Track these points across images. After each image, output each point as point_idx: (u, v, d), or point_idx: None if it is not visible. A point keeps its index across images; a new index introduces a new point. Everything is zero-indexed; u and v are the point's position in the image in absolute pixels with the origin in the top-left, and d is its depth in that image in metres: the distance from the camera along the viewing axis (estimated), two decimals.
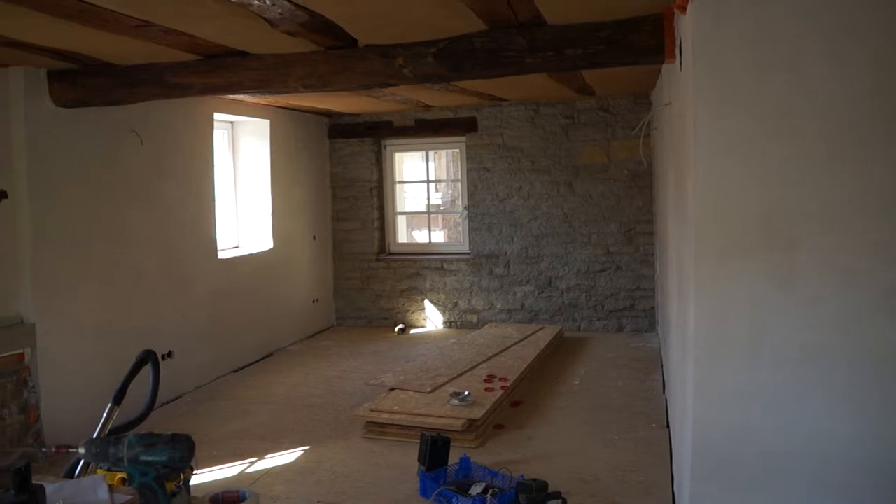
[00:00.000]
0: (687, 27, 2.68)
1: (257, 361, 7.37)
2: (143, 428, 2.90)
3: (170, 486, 1.94)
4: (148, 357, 3.02)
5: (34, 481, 1.96)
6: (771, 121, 2.30)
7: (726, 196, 2.37)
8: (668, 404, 4.95)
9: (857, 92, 2.21)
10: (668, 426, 4.89)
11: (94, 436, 2.71)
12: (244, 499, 1.96)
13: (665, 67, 4.66)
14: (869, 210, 2.23)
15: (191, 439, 1.79)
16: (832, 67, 2.23)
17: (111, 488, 2.09)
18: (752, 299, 2.36)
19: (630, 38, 3.76)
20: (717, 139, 2.37)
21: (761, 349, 2.36)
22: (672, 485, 4.00)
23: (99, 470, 2.34)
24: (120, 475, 2.26)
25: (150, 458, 1.74)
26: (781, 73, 2.27)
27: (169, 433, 1.79)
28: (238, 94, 5.43)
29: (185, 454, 1.77)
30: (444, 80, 4.73)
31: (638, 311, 8.16)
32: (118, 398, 2.94)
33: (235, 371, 7.01)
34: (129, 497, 2.03)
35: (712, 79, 2.37)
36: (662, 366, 6.23)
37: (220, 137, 7.35)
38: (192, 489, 2.23)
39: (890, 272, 2.23)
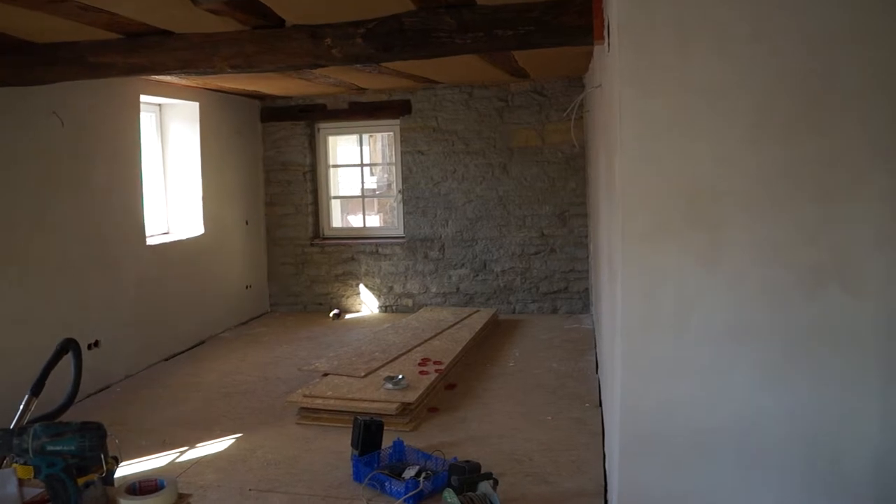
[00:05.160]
0: (613, 7, 2.67)
1: (189, 349, 7.23)
2: (64, 419, 2.81)
3: (90, 478, 1.87)
4: (69, 345, 2.91)
5: None
6: (696, 101, 2.31)
7: (652, 175, 2.38)
8: (601, 384, 5.01)
9: (784, 73, 2.23)
10: (600, 406, 4.95)
11: (11, 428, 2.61)
12: (161, 487, 1.90)
13: (596, 49, 4.68)
14: (792, 189, 2.25)
15: (102, 427, 1.73)
16: (759, 48, 2.24)
17: (21, 482, 2.00)
18: (678, 276, 2.37)
19: (560, 18, 3.77)
20: (642, 119, 2.37)
21: (687, 325, 2.38)
22: (604, 462, 4.05)
23: (16, 464, 2.25)
24: None
25: (57, 448, 1.67)
26: (707, 53, 2.28)
27: (78, 422, 1.72)
28: (163, 74, 5.28)
29: (95, 443, 1.70)
30: (373, 61, 4.68)
31: (572, 293, 8.24)
32: (36, 389, 2.83)
33: (166, 359, 6.86)
34: (41, 490, 1.95)
35: (638, 59, 2.37)
36: (596, 346, 6.30)
37: (147, 120, 7.15)
38: (117, 481, 2.15)
39: (812, 249, 2.26)
